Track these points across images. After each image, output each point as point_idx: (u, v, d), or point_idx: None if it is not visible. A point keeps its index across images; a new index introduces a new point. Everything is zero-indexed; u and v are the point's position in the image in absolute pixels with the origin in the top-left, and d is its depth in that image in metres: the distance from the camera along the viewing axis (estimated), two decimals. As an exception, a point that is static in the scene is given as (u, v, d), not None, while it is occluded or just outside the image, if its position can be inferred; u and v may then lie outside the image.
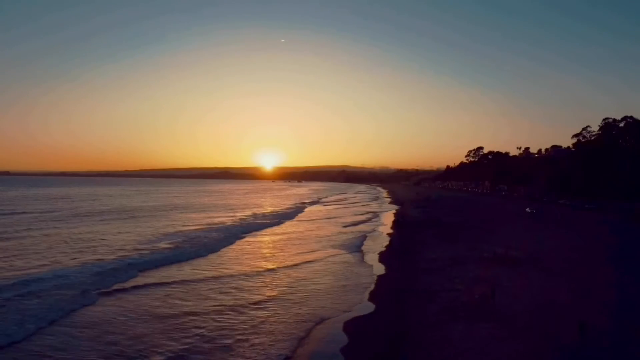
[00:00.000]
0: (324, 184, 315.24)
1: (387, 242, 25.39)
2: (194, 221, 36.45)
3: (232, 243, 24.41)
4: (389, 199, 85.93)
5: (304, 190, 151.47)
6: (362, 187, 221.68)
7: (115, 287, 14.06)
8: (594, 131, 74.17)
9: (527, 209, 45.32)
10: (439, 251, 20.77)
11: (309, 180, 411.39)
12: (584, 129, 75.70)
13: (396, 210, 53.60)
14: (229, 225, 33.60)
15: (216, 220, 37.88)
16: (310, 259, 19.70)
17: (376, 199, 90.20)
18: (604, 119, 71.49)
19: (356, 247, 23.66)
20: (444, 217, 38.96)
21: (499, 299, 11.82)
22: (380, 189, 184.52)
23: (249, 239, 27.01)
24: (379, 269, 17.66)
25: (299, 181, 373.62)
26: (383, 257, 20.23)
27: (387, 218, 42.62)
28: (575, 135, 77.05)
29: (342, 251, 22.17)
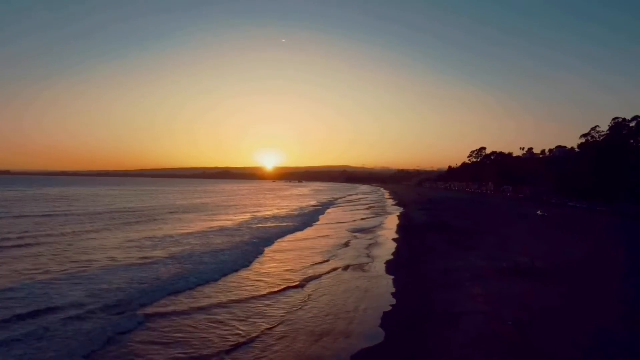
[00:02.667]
0: (324, 184, 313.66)
1: (394, 249, 23.36)
2: (206, 226, 33.81)
3: (260, 254, 21.69)
4: (392, 201, 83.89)
5: (306, 191, 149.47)
6: (364, 187, 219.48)
7: (142, 311, 11.83)
8: (602, 131, 72.27)
9: (538, 212, 43.33)
10: (452, 260, 18.75)
11: (309, 180, 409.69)
12: (592, 128, 73.78)
13: (400, 212, 51.54)
14: (248, 231, 30.68)
15: (232, 224, 35.44)
16: (318, 273, 17.47)
17: (379, 200, 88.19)
18: (613, 119, 69.55)
19: (363, 256, 21.59)
20: (451, 220, 36.90)
21: (537, 326, 9.83)
22: (382, 189, 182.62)
23: (277, 244, 25.05)
24: (388, 283, 15.63)
25: (299, 181, 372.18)
26: (391, 268, 18.20)
27: (392, 221, 40.56)
28: (584, 135, 75.08)
29: (350, 262, 20.11)
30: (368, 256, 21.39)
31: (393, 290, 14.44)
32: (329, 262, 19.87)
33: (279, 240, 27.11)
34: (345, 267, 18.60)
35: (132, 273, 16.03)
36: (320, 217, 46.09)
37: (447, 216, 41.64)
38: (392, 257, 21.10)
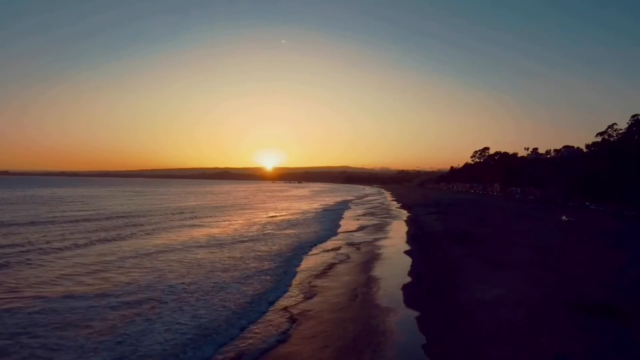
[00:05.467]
0: (325, 185, 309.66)
1: (410, 267, 19.19)
2: (195, 235, 29.39)
3: (287, 287, 15.75)
4: (396, 203, 79.77)
5: (307, 192, 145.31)
6: (367, 189, 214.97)
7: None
8: (620, 129, 68.10)
9: (563, 217, 39.15)
10: (491, 286, 14.58)
11: (309, 181, 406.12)
12: (609, 126, 69.54)
13: (407, 216, 47.37)
14: (265, 245, 25.15)
15: (242, 236, 29.30)
16: (314, 305, 13.42)
17: (382, 203, 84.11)
18: (632, 116, 65.39)
19: (374, 277, 17.46)
20: (468, 227, 32.73)
21: None
22: (383, 190, 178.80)
23: (306, 262, 20.45)
24: (411, 324, 11.41)
25: (299, 182, 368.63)
26: (412, 297, 14.00)
27: (401, 227, 36.37)
28: (600, 134, 70.80)
29: (355, 285, 16.02)
30: (378, 277, 17.21)
31: (423, 340, 10.19)
32: (347, 287, 15.75)
33: (305, 258, 21.86)
34: (354, 296, 14.45)
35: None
36: (345, 224, 41.87)
37: (462, 222, 37.49)
38: (409, 279, 16.91)
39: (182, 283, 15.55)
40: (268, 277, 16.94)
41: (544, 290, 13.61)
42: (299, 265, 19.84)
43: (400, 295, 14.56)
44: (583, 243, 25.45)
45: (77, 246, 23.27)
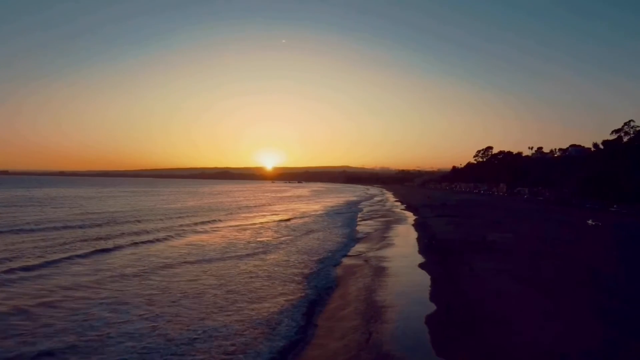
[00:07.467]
0: (325, 184, 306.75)
1: (429, 288, 15.65)
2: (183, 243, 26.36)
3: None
4: (399, 204, 76.32)
5: (307, 192, 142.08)
6: (370, 189, 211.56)
7: None
8: (638, 125, 64.61)
9: (589, 221, 35.66)
10: (546, 320, 11.06)
11: (309, 181, 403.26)
12: (625, 123, 66.03)
13: (414, 220, 43.84)
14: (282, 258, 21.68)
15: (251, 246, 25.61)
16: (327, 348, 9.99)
17: (385, 205, 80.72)
18: (651, 112, 61.84)
19: (387, 309, 13.93)
20: (487, 233, 29.12)
21: None
22: (384, 190, 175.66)
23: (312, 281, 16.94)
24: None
25: (299, 182, 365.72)
26: (442, 340, 10.38)
27: (409, 233, 32.82)
28: (616, 131, 67.19)
29: (369, 320, 12.56)
30: (394, 305, 13.68)
31: None
32: (333, 313, 12.28)
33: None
34: (367, 334, 10.94)
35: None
36: (328, 230, 38.46)
37: (477, 226, 33.97)
38: (433, 305, 13.33)
39: (147, 325, 12.00)
40: (259, 319, 13.47)
41: (626, 331, 10.08)
42: (303, 285, 16.38)
43: (425, 333, 11.02)
44: (632, 255, 21.88)
45: (31, 268, 18.17)
